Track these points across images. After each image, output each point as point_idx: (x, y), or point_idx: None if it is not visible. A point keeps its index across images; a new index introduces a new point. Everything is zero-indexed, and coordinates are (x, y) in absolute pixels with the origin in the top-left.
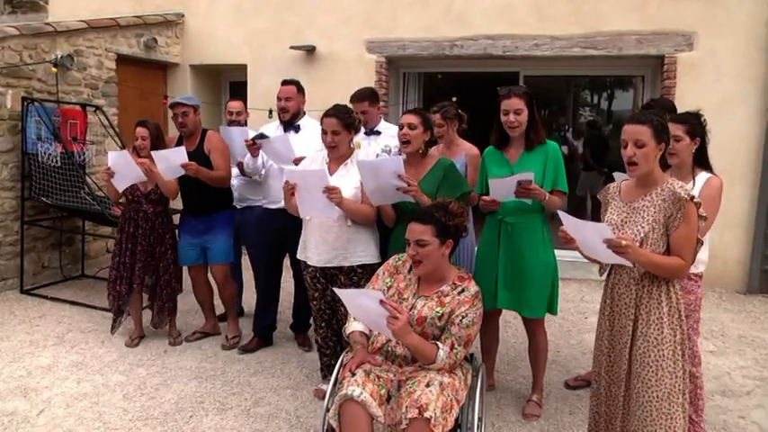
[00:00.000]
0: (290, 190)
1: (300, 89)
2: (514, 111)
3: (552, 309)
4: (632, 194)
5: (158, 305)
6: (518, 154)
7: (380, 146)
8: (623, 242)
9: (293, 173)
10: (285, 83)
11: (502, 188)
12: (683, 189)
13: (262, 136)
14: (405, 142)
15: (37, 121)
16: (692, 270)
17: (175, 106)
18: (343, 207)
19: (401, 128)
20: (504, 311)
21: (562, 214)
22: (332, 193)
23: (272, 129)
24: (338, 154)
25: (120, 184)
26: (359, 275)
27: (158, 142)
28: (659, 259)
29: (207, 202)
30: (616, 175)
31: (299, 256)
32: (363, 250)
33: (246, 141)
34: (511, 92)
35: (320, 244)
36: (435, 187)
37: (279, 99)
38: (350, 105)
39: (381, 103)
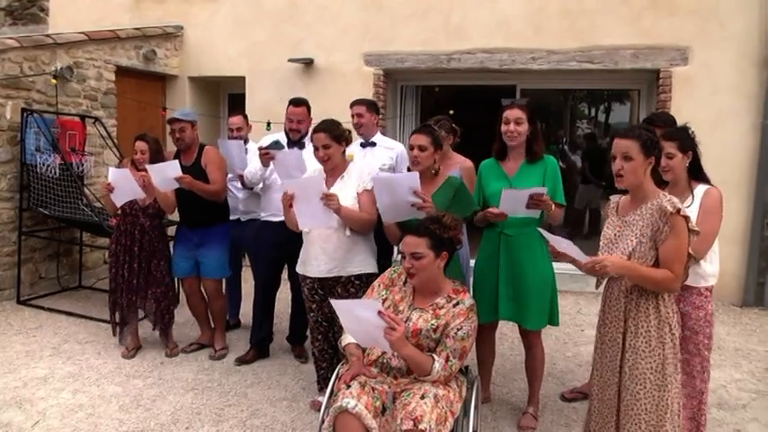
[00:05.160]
0: (288, 201)
1: (309, 108)
2: (515, 120)
3: (553, 320)
4: (626, 209)
5: (156, 317)
6: (516, 166)
7: (375, 157)
8: (597, 266)
9: (291, 183)
10: (296, 104)
11: (512, 201)
12: (669, 203)
13: (278, 144)
14: (416, 162)
15: (36, 132)
16: (702, 284)
17: (173, 122)
18: (342, 214)
19: (411, 149)
20: (500, 324)
21: (543, 231)
22: (329, 199)
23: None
24: (332, 166)
25: (119, 200)
26: (356, 287)
27: (157, 156)
28: (646, 271)
29: (203, 216)
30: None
31: (297, 270)
32: (362, 260)
33: (260, 149)
34: (514, 103)
35: (320, 254)
36: (446, 206)
37: (290, 120)
38: (349, 110)
39: (380, 116)
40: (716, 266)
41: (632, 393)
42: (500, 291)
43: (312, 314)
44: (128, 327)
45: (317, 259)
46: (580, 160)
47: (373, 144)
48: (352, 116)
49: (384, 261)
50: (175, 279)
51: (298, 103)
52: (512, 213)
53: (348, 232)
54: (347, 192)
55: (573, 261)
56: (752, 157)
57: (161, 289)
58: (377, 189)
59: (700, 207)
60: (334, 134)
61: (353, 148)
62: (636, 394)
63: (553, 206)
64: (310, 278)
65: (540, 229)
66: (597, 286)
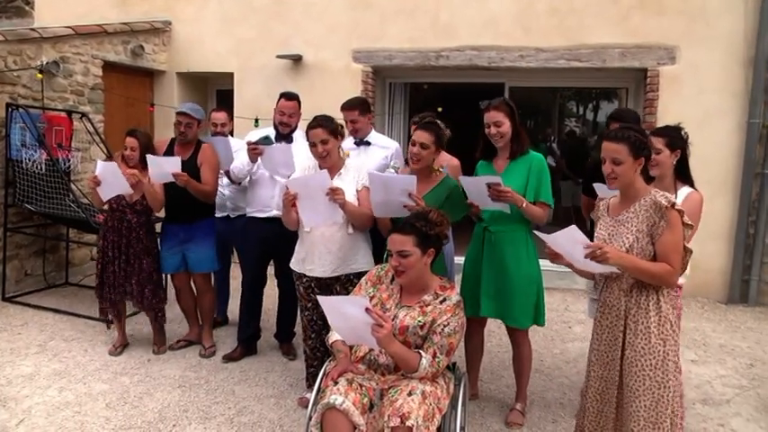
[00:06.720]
0: (290, 201)
1: (300, 104)
2: (494, 123)
3: (539, 320)
4: (617, 209)
5: (150, 315)
6: (504, 164)
7: (369, 156)
8: (598, 251)
9: (294, 181)
10: (288, 97)
11: (474, 191)
12: (664, 197)
13: (267, 139)
14: (415, 160)
15: (22, 128)
16: None
17: (182, 115)
18: (346, 209)
19: (413, 144)
20: (488, 321)
21: (539, 233)
22: (335, 194)
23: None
24: (330, 163)
25: (106, 194)
26: (354, 284)
27: (147, 152)
28: (645, 264)
29: (189, 210)
30: (597, 186)
31: (294, 268)
32: (363, 257)
33: (249, 144)
34: (490, 105)
35: (324, 255)
36: (438, 205)
37: (282, 113)
38: (340, 113)
39: (372, 113)
40: (687, 268)
41: (632, 390)
42: (482, 287)
43: (307, 312)
44: (121, 321)
45: (322, 259)
46: (560, 157)
47: (368, 143)
48: (346, 122)
49: (380, 254)
50: (163, 276)
51: (290, 96)
52: (482, 206)
53: (350, 230)
54: (346, 188)
55: (570, 265)
56: (738, 155)
57: (150, 286)
58: (372, 184)
59: None
60: (330, 128)
61: (349, 146)
62: (635, 391)
63: (524, 202)
64: (308, 277)
65: (537, 232)
66: (596, 288)
